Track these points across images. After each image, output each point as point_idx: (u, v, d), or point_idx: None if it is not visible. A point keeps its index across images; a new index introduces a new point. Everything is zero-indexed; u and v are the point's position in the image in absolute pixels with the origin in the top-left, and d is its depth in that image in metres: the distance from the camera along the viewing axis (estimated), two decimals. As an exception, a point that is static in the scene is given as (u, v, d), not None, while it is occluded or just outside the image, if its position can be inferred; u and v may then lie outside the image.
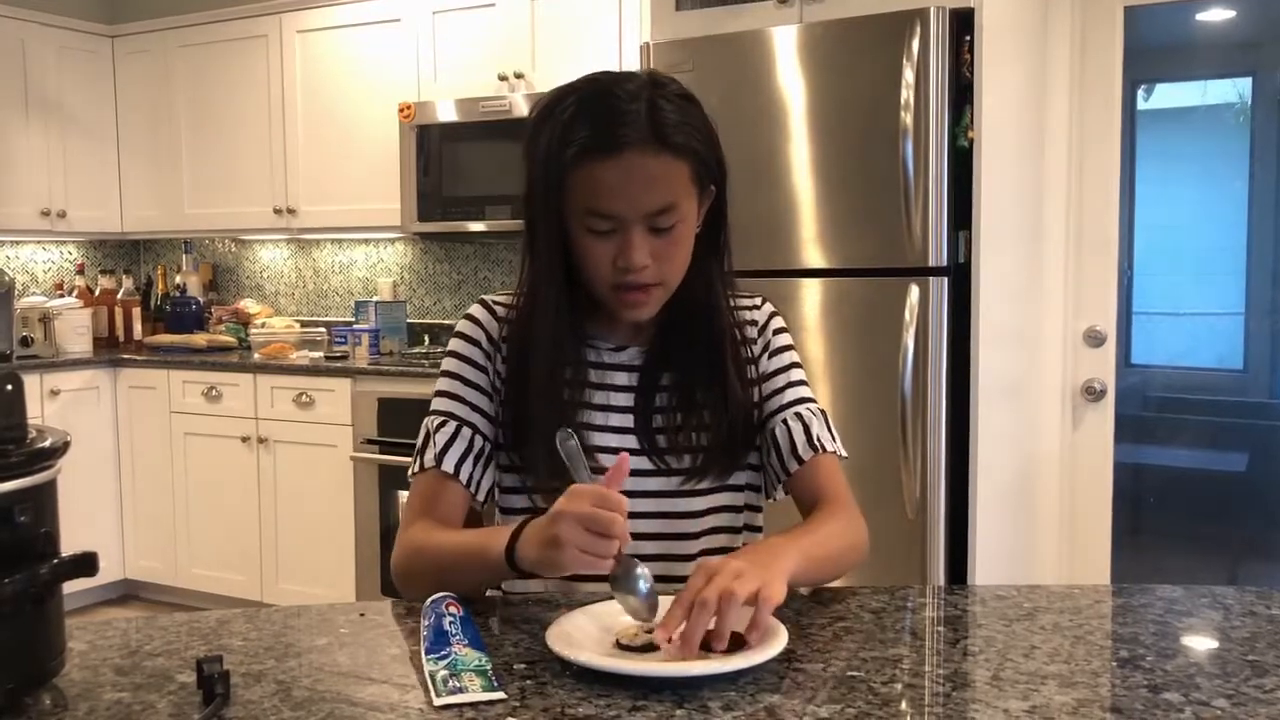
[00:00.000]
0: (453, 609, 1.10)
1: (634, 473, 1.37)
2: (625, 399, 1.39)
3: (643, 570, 1.11)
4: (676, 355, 1.38)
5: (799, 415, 1.40)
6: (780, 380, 1.43)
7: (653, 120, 1.24)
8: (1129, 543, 3.28)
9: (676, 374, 1.38)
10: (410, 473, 1.40)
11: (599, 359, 1.40)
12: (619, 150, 1.23)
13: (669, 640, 1.02)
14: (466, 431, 1.37)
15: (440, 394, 1.41)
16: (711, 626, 1.02)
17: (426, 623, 1.08)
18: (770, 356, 1.44)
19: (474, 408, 1.39)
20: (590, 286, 1.32)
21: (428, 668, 1.00)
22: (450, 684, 0.96)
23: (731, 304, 1.41)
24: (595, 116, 1.24)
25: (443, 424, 1.38)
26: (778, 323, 1.47)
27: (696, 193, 1.30)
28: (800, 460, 1.38)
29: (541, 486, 1.37)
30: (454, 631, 1.06)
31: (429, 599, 1.12)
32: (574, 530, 1.07)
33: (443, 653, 1.02)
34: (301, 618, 1.23)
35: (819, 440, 1.38)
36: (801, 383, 1.44)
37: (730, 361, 1.38)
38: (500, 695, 0.95)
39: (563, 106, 1.27)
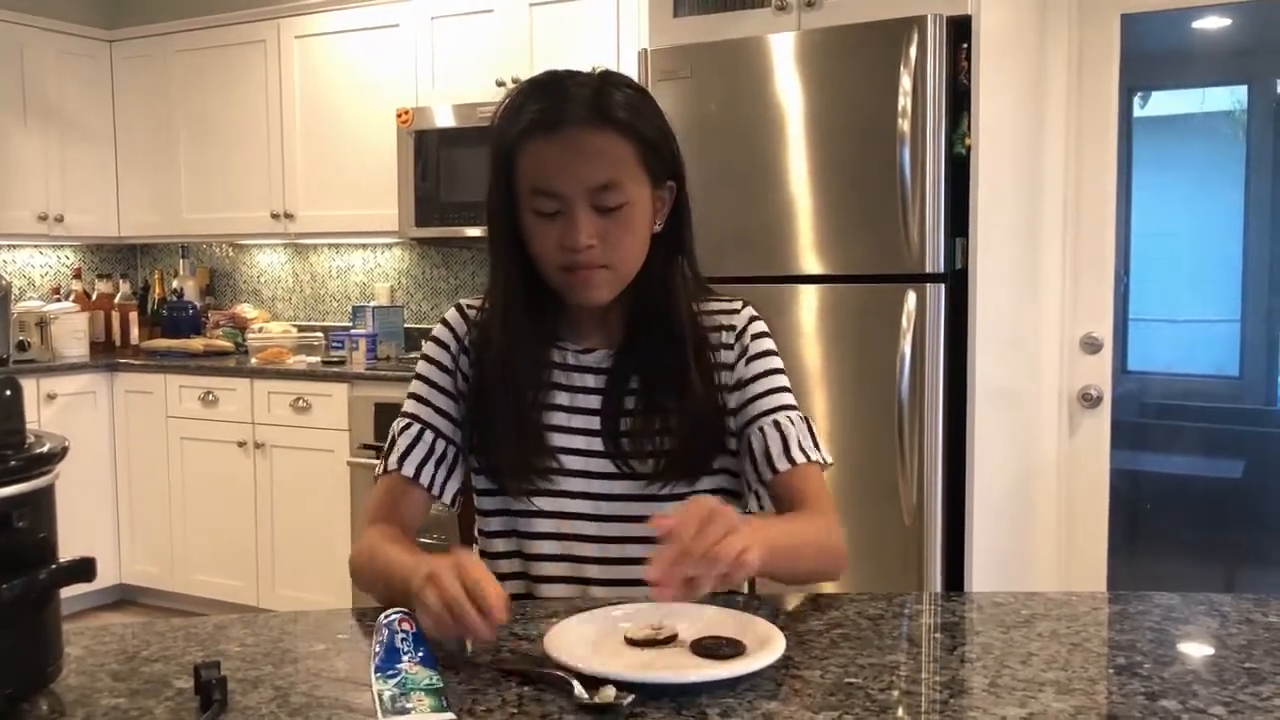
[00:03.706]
0: (405, 626, 1.07)
1: (598, 476, 1.37)
2: (593, 401, 1.39)
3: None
4: (643, 357, 1.38)
5: (776, 423, 1.37)
6: (758, 387, 1.40)
7: (596, 100, 1.27)
8: (1125, 549, 3.28)
9: (643, 376, 1.38)
10: (375, 474, 1.42)
11: (565, 360, 1.40)
12: (559, 125, 1.26)
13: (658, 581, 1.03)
14: (429, 435, 1.39)
15: (409, 397, 1.43)
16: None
17: (379, 639, 1.05)
18: (748, 362, 1.41)
19: (438, 411, 1.40)
20: (544, 273, 1.33)
21: (375, 686, 0.97)
22: (398, 704, 0.93)
23: (698, 307, 1.40)
24: (542, 98, 1.28)
25: (406, 427, 1.40)
26: (757, 328, 1.43)
27: (648, 180, 1.31)
28: (774, 469, 1.35)
29: (508, 487, 1.37)
30: (405, 649, 1.03)
31: (383, 614, 1.10)
32: (436, 602, 1.04)
33: (392, 671, 0.99)
34: (299, 623, 1.24)
35: (800, 448, 1.35)
36: (782, 389, 1.40)
37: (693, 363, 1.36)
38: (450, 716, 0.92)
39: (517, 95, 1.31)
